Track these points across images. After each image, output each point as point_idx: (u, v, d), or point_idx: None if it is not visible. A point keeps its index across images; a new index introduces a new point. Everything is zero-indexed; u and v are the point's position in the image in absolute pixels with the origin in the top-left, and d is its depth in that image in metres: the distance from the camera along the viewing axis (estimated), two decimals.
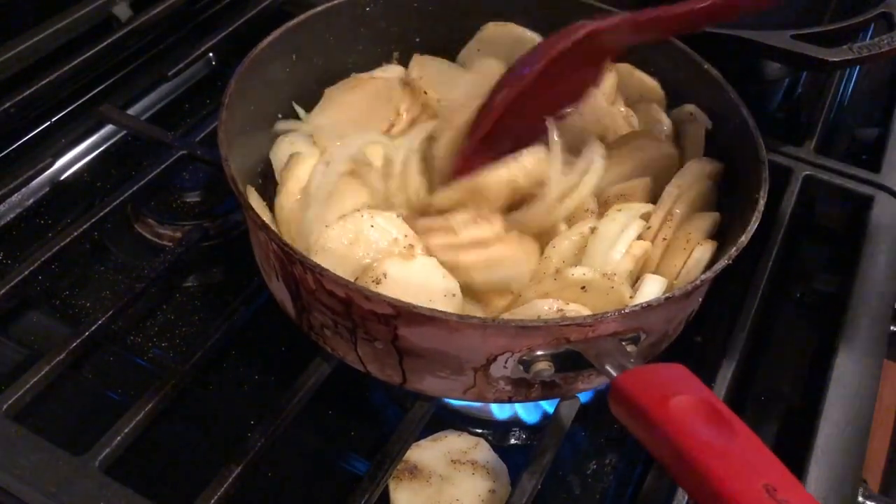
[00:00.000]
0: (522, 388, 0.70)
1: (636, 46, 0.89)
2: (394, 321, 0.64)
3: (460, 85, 0.88)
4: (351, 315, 0.66)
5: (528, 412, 0.82)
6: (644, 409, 0.55)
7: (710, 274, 0.66)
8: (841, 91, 1.23)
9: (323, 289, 0.65)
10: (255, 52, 0.81)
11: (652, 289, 0.73)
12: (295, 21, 0.86)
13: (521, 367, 0.66)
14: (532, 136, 0.78)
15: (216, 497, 0.66)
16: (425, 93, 0.89)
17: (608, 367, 0.61)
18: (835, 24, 1.00)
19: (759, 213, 0.71)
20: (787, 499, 0.46)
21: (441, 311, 0.61)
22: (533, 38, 0.94)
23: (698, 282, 0.66)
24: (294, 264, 0.65)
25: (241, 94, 0.78)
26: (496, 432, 0.82)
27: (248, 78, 0.79)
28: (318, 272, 0.63)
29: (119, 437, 0.69)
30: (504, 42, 0.94)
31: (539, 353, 0.65)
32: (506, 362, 0.66)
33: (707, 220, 0.79)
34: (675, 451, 0.51)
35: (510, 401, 0.72)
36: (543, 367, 0.65)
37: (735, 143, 0.82)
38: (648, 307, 0.64)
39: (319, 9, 0.88)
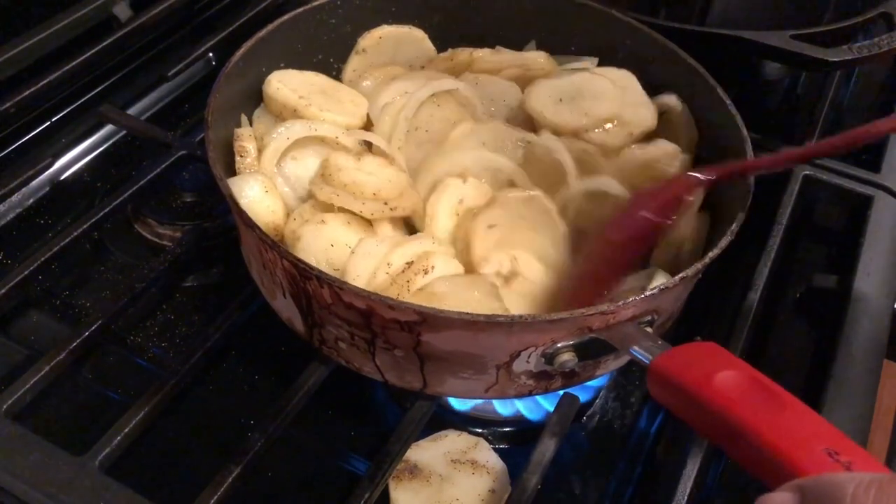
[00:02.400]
0: (543, 381, 0.71)
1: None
2: (417, 327, 0.64)
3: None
4: (370, 325, 0.65)
5: (530, 410, 0.82)
6: (689, 388, 0.55)
7: (716, 251, 0.68)
8: (841, 91, 1.23)
9: (341, 302, 0.64)
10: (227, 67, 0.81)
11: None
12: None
13: (544, 360, 0.67)
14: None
15: (216, 497, 0.66)
16: None
17: (638, 352, 0.61)
18: (835, 24, 1.00)
19: (751, 187, 0.73)
20: (851, 460, 0.46)
21: (468, 313, 0.62)
22: (409, 32, 0.95)
23: (707, 260, 0.67)
24: (309, 280, 0.65)
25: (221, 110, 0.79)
26: (496, 432, 0.82)
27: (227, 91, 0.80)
28: (338, 286, 0.63)
29: (119, 437, 0.69)
30: (386, 46, 0.94)
31: (561, 344, 0.65)
32: (528, 357, 0.66)
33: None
34: (727, 427, 0.52)
35: (531, 394, 0.73)
36: (567, 357, 0.66)
37: (718, 126, 0.83)
38: (665, 289, 0.65)
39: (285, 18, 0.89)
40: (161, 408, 0.73)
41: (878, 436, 1.06)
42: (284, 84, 0.85)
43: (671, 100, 0.88)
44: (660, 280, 0.74)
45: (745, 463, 0.53)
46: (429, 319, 0.62)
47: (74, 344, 0.76)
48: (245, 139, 0.81)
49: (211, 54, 1.14)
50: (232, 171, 0.79)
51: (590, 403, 0.85)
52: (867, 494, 0.39)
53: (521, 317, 0.66)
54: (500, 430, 0.82)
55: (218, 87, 0.78)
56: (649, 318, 0.67)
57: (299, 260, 0.64)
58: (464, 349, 0.66)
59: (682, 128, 0.87)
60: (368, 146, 0.84)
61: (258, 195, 0.75)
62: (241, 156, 0.80)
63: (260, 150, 0.81)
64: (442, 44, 0.96)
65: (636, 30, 0.92)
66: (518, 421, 0.83)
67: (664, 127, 0.88)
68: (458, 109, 0.87)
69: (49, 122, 1.06)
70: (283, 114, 0.85)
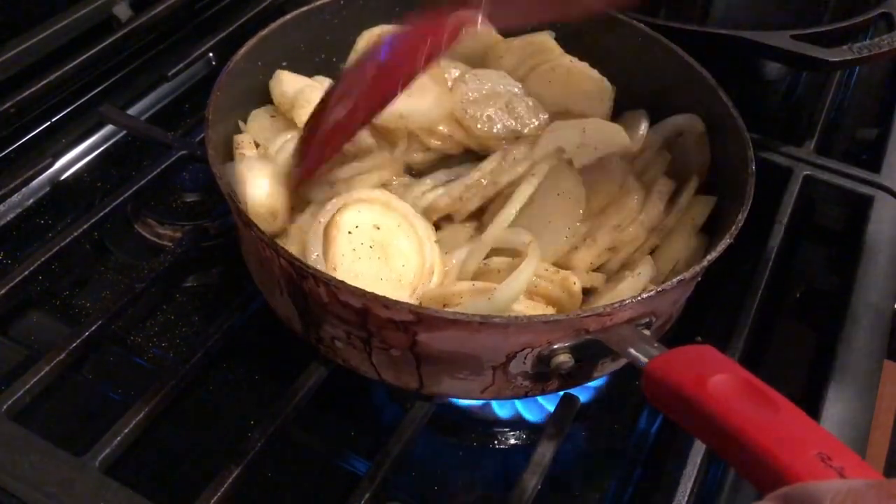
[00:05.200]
0: (540, 382, 0.71)
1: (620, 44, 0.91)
2: (413, 327, 0.64)
3: None
4: (366, 325, 0.66)
5: (529, 411, 0.82)
6: (683, 391, 0.55)
7: (714, 254, 0.68)
8: (841, 91, 1.23)
9: (337, 301, 0.64)
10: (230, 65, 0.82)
11: (645, 273, 0.75)
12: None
13: (540, 362, 0.66)
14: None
15: (216, 497, 0.66)
16: None
17: (634, 354, 0.61)
18: (835, 24, 1.00)
19: (752, 190, 0.73)
20: (842, 465, 0.46)
21: (463, 314, 0.62)
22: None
23: (705, 262, 0.67)
24: (305, 279, 0.65)
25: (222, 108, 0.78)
26: (496, 432, 0.82)
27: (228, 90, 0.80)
28: (333, 285, 0.63)
29: (119, 437, 0.69)
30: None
31: (557, 346, 0.65)
32: (525, 358, 0.66)
33: (705, 203, 0.81)
34: (721, 431, 0.52)
35: (527, 395, 0.73)
36: (563, 359, 0.66)
37: (717, 129, 0.83)
38: (663, 291, 0.65)
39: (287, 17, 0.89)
40: (161, 408, 0.73)
41: (878, 436, 1.06)
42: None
43: (689, 123, 0.88)
44: (647, 274, 0.74)
45: (739, 467, 0.53)
46: (424, 319, 0.62)
47: (74, 344, 0.76)
48: (245, 147, 0.81)
49: (211, 54, 1.15)
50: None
51: (590, 404, 0.85)
52: None
53: (516, 318, 0.66)
54: (500, 430, 0.83)
55: (220, 86, 0.78)
56: (647, 320, 0.67)
57: (296, 259, 0.65)
58: (460, 349, 0.66)
59: (694, 152, 0.86)
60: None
61: (259, 177, 0.75)
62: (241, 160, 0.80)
63: (258, 145, 0.81)
64: None
65: (636, 31, 0.92)
66: (518, 421, 0.83)
67: (675, 148, 0.88)
68: None
69: (49, 122, 1.06)
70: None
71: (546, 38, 0.95)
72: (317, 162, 0.77)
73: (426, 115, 0.86)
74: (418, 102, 0.86)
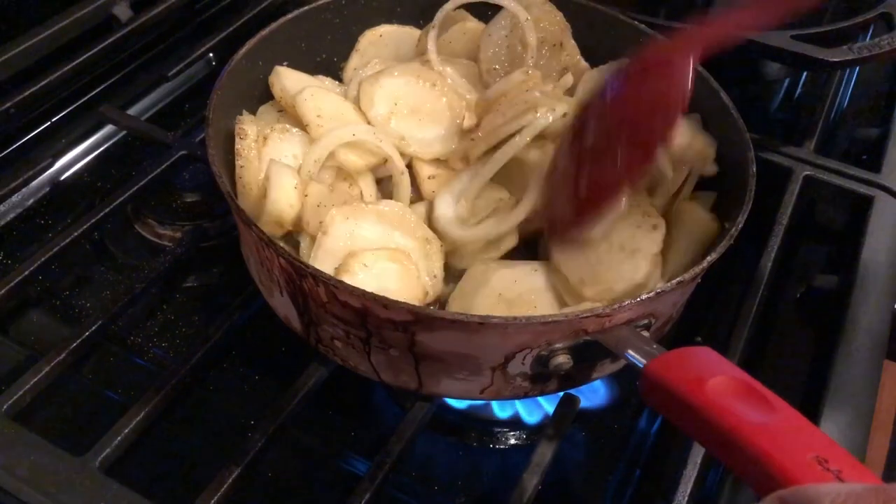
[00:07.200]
0: (539, 383, 0.71)
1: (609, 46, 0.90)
2: (412, 327, 0.64)
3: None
4: (366, 325, 0.66)
5: (529, 412, 0.82)
6: (681, 394, 0.55)
7: (714, 255, 0.67)
8: (841, 91, 1.23)
9: (336, 300, 0.64)
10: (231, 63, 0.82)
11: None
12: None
13: (539, 363, 0.66)
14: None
15: (216, 497, 0.66)
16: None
17: (633, 356, 0.61)
18: (835, 25, 1.00)
19: (752, 191, 0.73)
20: (839, 468, 0.46)
21: (462, 314, 0.62)
22: (410, 32, 0.95)
23: (705, 264, 0.67)
24: (305, 278, 0.65)
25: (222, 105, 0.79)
26: (496, 432, 0.82)
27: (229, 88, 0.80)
28: (333, 284, 0.63)
29: (119, 437, 0.69)
30: (386, 44, 0.95)
31: (555, 346, 0.65)
32: (524, 359, 0.66)
33: (706, 199, 0.82)
34: (719, 433, 0.52)
35: (526, 396, 0.73)
36: (562, 360, 0.66)
37: (718, 130, 0.83)
38: (662, 293, 0.65)
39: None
40: (161, 408, 0.73)
41: (878, 436, 1.06)
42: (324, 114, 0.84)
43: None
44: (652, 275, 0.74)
45: (736, 470, 0.53)
46: (423, 319, 0.62)
47: (74, 344, 0.76)
48: (246, 123, 0.80)
49: (211, 54, 1.15)
50: (232, 169, 0.79)
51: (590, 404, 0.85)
52: None
53: (514, 318, 0.66)
54: (500, 430, 0.83)
55: (220, 86, 0.78)
56: (646, 321, 0.67)
57: (295, 258, 0.65)
58: (458, 350, 0.66)
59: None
60: None
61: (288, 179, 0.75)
62: (241, 137, 0.79)
63: (265, 139, 0.81)
64: None
65: (637, 31, 0.92)
66: (518, 422, 0.83)
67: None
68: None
69: (49, 122, 1.06)
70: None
71: None
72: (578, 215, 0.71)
73: (427, 149, 0.85)
74: (425, 129, 0.85)
